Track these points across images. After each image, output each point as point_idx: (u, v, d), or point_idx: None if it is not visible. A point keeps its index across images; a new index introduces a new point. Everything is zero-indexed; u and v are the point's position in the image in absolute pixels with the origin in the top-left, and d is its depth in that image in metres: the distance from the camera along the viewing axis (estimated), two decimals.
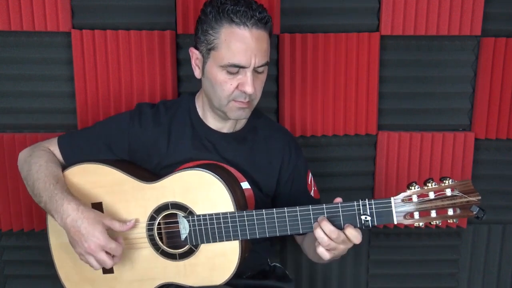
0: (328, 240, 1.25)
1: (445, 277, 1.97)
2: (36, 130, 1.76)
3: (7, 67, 1.71)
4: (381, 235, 1.93)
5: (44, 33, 1.69)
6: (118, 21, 1.68)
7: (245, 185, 1.47)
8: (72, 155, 1.47)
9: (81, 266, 1.43)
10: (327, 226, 1.25)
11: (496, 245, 1.96)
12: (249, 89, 1.32)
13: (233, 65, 1.31)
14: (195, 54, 1.40)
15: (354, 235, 1.25)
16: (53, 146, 1.50)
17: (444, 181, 1.22)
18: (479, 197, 1.21)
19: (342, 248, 1.27)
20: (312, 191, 1.56)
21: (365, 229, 1.37)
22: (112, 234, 1.34)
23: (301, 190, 1.54)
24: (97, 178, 1.42)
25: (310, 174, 1.57)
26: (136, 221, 1.39)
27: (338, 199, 1.29)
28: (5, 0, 1.65)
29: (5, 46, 1.70)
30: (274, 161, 1.51)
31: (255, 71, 1.33)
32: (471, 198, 1.21)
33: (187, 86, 1.76)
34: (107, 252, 1.31)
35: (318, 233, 1.25)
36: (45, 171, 1.40)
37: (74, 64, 1.69)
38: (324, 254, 1.27)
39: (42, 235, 1.48)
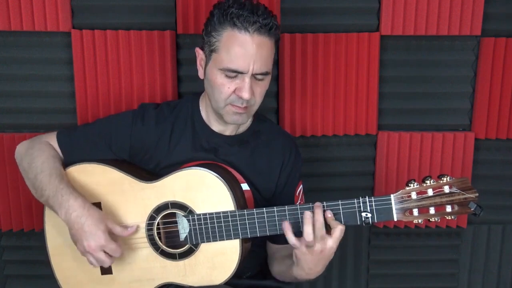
0: (312, 230, 1.23)
1: (445, 277, 1.97)
2: (36, 130, 1.75)
3: (7, 67, 1.71)
4: (381, 235, 1.93)
5: (44, 33, 1.69)
6: (118, 21, 1.68)
7: (245, 186, 1.46)
8: (72, 152, 1.47)
9: (79, 268, 1.43)
10: (319, 215, 1.23)
11: (496, 245, 1.96)
12: (245, 94, 1.30)
13: (231, 70, 1.30)
14: (200, 54, 1.39)
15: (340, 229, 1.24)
16: (53, 141, 1.49)
17: (442, 179, 1.24)
18: (477, 194, 1.22)
19: (318, 247, 1.24)
20: (298, 203, 1.52)
21: (365, 226, 1.37)
22: (112, 235, 1.34)
23: (287, 199, 1.51)
24: (96, 178, 1.42)
25: (300, 186, 1.54)
26: (137, 227, 1.39)
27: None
28: (5, 0, 1.65)
29: (5, 46, 1.70)
30: (275, 165, 1.50)
31: (254, 77, 1.32)
32: (468, 195, 1.22)
33: (187, 86, 1.76)
34: (106, 252, 1.32)
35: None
36: (50, 165, 1.40)
37: (74, 64, 1.69)
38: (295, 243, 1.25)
39: (42, 235, 1.47)
